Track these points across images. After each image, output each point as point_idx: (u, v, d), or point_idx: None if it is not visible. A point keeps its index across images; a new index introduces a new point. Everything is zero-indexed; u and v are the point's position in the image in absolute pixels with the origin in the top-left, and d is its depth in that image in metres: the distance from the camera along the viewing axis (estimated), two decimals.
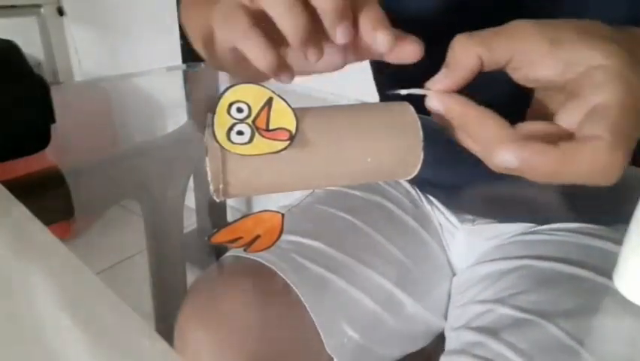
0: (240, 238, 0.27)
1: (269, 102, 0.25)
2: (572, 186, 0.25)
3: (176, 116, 1.11)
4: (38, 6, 1.84)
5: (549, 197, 0.53)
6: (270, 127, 0.25)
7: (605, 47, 0.25)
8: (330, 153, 0.27)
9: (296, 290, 0.48)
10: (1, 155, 0.67)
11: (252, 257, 0.50)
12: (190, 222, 1.38)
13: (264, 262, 0.49)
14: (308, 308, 0.47)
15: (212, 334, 0.45)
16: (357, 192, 0.61)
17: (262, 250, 0.28)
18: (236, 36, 0.29)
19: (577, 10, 0.39)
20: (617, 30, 0.27)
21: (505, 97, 0.30)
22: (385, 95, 0.36)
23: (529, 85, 0.28)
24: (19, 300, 0.31)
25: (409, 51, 0.30)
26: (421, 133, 0.28)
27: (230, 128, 0.24)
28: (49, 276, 0.32)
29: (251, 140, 0.25)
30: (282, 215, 0.28)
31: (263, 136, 0.25)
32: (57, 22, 1.90)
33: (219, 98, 0.25)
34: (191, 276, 1.01)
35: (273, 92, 0.25)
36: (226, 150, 0.25)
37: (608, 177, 0.24)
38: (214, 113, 0.24)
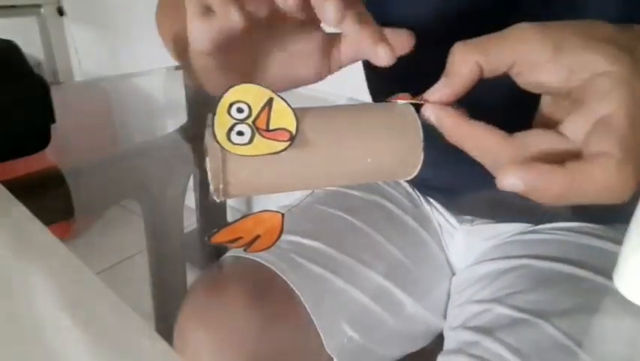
0: (240, 238, 0.27)
1: (269, 102, 0.25)
2: None
3: (176, 116, 1.11)
4: (38, 6, 1.84)
5: None
6: (270, 127, 0.25)
7: (609, 52, 0.24)
8: (330, 154, 0.27)
9: (296, 290, 0.48)
10: (1, 155, 0.67)
11: (252, 257, 0.50)
12: (190, 222, 1.37)
13: (263, 262, 0.49)
14: (308, 308, 0.47)
15: (212, 334, 0.45)
16: (356, 193, 0.61)
17: (262, 250, 0.28)
18: None
19: (576, 11, 0.39)
20: (621, 29, 0.26)
21: (513, 101, 0.30)
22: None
23: (534, 91, 0.27)
24: (19, 300, 0.31)
25: (400, 45, 0.30)
26: (421, 133, 0.28)
27: (231, 129, 0.24)
28: (49, 276, 0.32)
29: (251, 140, 0.25)
30: (282, 215, 0.28)
31: (263, 136, 0.25)
32: (57, 22, 1.90)
33: (219, 98, 0.25)
34: (191, 276, 1.01)
35: (274, 92, 0.25)
36: (226, 150, 0.25)
37: (619, 194, 0.23)
38: (214, 113, 0.24)
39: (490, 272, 0.51)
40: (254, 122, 0.25)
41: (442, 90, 0.28)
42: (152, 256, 0.92)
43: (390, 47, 0.29)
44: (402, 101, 0.29)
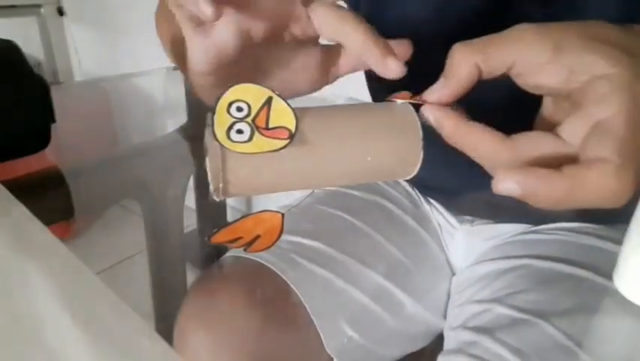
0: (240, 238, 0.27)
1: (269, 101, 0.25)
2: None
3: (176, 116, 1.11)
4: (38, 6, 1.84)
5: None
6: (270, 126, 0.25)
7: (610, 54, 0.24)
8: (329, 153, 0.27)
9: (296, 290, 0.48)
10: (1, 155, 0.67)
11: (252, 257, 0.50)
12: (190, 222, 1.38)
13: (263, 262, 0.49)
14: (308, 308, 0.47)
15: (212, 334, 0.45)
16: (356, 193, 0.61)
17: (262, 250, 0.28)
18: None
19: (576, 11, 0.39)
20: (624, 31, 0.26)
21: (514, 101, 0.30)
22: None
23: (534, 92, 0.27)
24: (19, 300, 0.31)
25: (402, 55, 0.30)
26: (420, 133, 0.28)
27: (230, 127, 0.24)
28: (49, 276, 0.32)
29: (251, 138, 0.25)
30: (282, 215, 0.28)
31: (263, 135, 0.25)
32: (57, 22, 1.90)
33: (219, 97, 0.25)
34: (191, 276, 1.01)
35: (273, 91, 0.25)
36: (226, 148, 0.25)
37: (618, 199, 0.23)
38: (214, 112, 0.24)
39: (491, 272, 0.51)
40: (253, 120, 0.25)
41: (440, 91, 0.27)
42: (152, 256, 0.92)
43: (399, 59, 0.29)
44: (401, 101, 0.29)
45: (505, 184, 0.24)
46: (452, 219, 0.59)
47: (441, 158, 0.35)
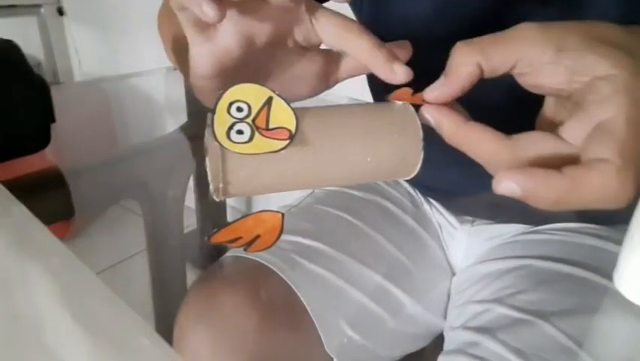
0: (240, 238, 0.27)
1: (269, 102, 0.25)
2: None
3: (176, 116, 1.11)
4: (38, 6, 1.84)
5: None
6: (270, 126, 0.25)
7: (612, 55, 0.23)
8: (330, 153, 0.27)
9: (296, 290, 0.48)
10: (1, 155, 0.67)
11: (251, 257, 0.50)
12: (190, 222, 1.38)
13: (264, 262, 0.49)
14: (308, 308, 0.47)
15: (212, 334, 0.45)
16: (356, 193, 0.61)
17: (262, 250, 0.28)
18: None
19: (577, 11, 0.39)
20: (626, 32, 0.25)
21: (515, 101, 0.30)
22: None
23: (535, 92, 0.27)
24: (19, 300, 0.31)
25: (403, 58, 0.30)
26: (421, 133, 0.28)
27: (230, 128, 0.24)
28: (49, 276, 0.32)
29: (251, 139, 0.25)
30: (282, 215, 0.28)
31: (263, 135, 0.25)
32: (57, 22, 1.90)
33: (219, 97, 0.25)
34: (191, 276, 1.01)
35: (273, 91, 0.25)
36: (226, 148, 0.25)
37: (618, 201, 0.23)
38: (214, 112, 0.24)
39: (491, 272, 0.51)
40: (253, 121, 0.25)
41: (440, 89, 0.27)
42: (152, 256, 0.92)
43: (407, 67, 0.29)
44: (400, 102, 0.29)
45: (506, 184, 0.23)
46: (452, 220, 0.59)
47: (441, 158, 0.35)
